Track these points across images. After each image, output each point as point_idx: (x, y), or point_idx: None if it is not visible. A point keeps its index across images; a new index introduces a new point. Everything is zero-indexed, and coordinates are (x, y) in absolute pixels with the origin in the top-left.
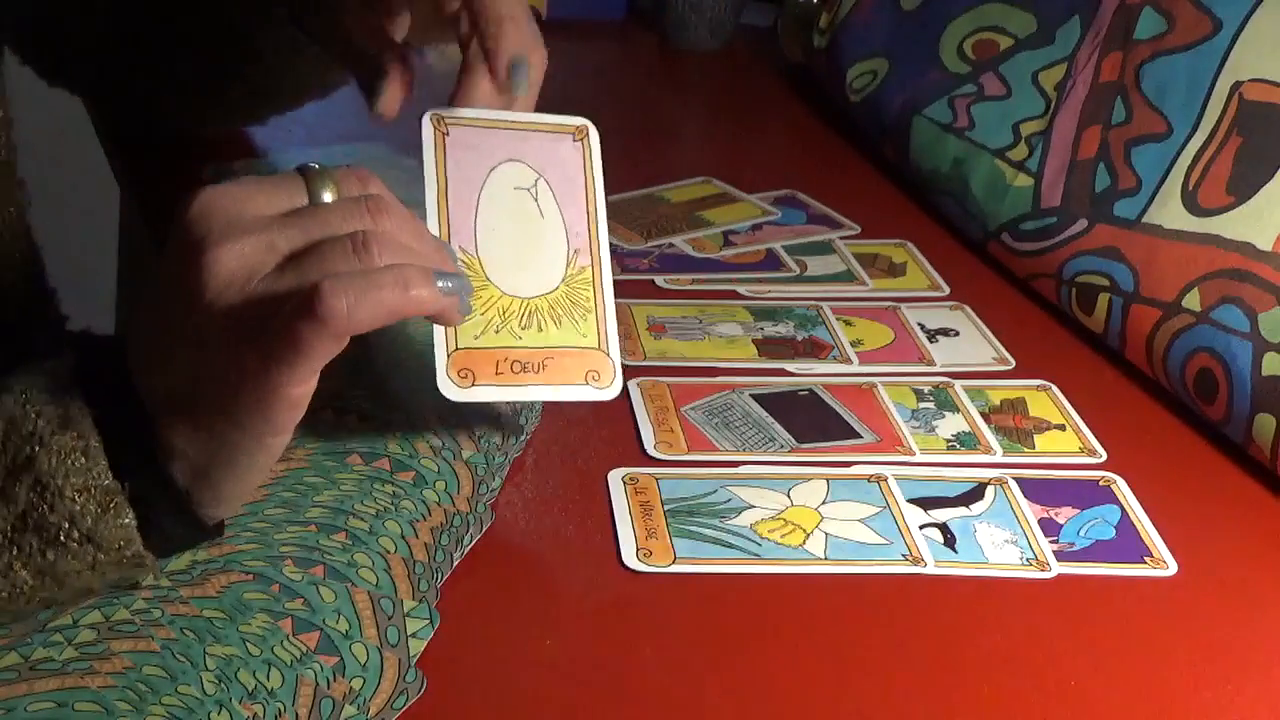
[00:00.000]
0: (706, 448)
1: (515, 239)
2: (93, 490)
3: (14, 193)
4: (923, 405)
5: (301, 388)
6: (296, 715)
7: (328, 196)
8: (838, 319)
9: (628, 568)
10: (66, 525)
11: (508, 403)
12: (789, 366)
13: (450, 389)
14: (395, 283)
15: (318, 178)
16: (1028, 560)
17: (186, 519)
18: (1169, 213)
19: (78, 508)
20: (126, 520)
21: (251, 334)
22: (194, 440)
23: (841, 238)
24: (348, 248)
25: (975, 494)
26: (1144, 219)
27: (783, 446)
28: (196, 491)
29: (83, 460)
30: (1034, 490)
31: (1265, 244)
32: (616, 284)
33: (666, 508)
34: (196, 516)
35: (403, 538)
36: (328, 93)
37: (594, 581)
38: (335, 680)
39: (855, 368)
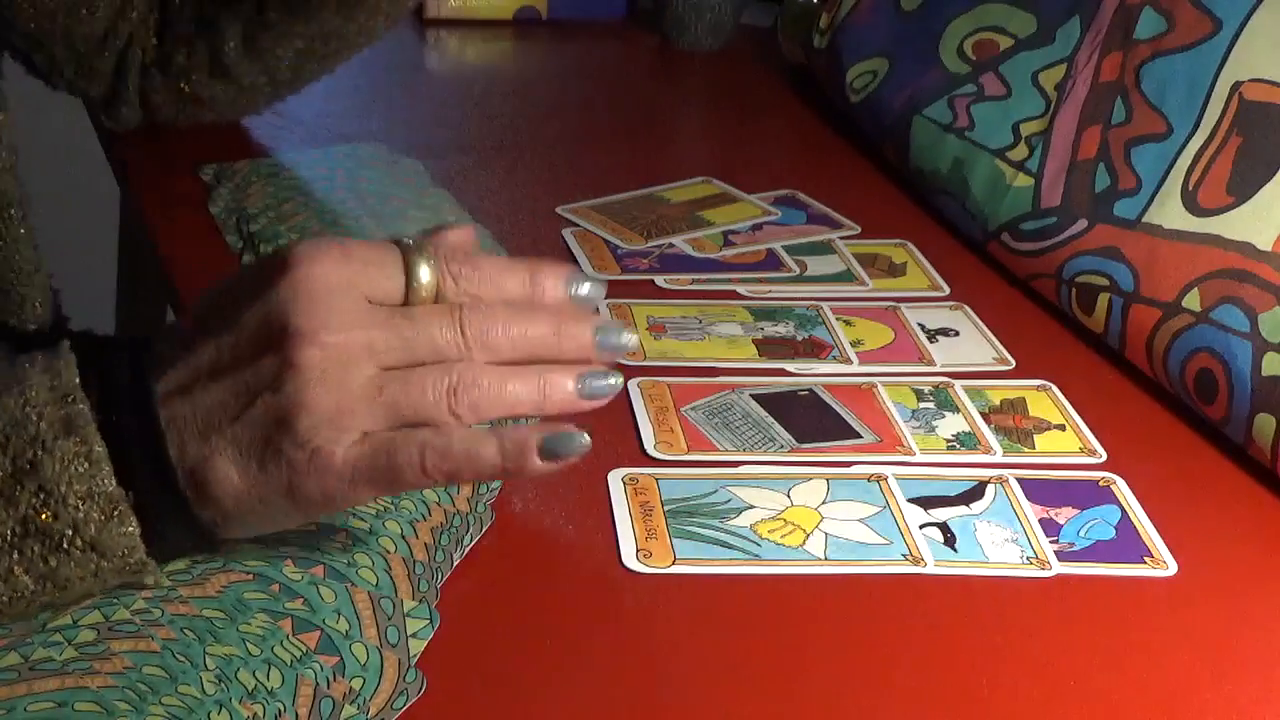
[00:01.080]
0: (706, 448)
1: None
2: (96, 497)
3: (13, 193)
4: (923, 405)
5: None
6: (296, 715)
7: (425, 274)
8: (838, 319)
9: (628, 568)
10: (69, 533)
11: None
12: (789, 366)
13: None
14: (476, 455)
15: (415, 254)
16: (1028, 559)
17: (193, 528)
18: (1169, 213)
19: (81, 515)
20: (130, 529)
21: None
22: (239, 500)
23: (841, 238)
24: (441, 398)
25: (975, 492)
26: (1144, 219)
27: (783, 446)
28: (223, 525)
29: (86, 466)
30: (1034, 490)
31: (1265, 244)
32: (617, 284)
33: (666, 508)
34: (203, 526)
35: (403, 538)
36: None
37: (594, 582)
38: (335, 680)
39: (855, 368)
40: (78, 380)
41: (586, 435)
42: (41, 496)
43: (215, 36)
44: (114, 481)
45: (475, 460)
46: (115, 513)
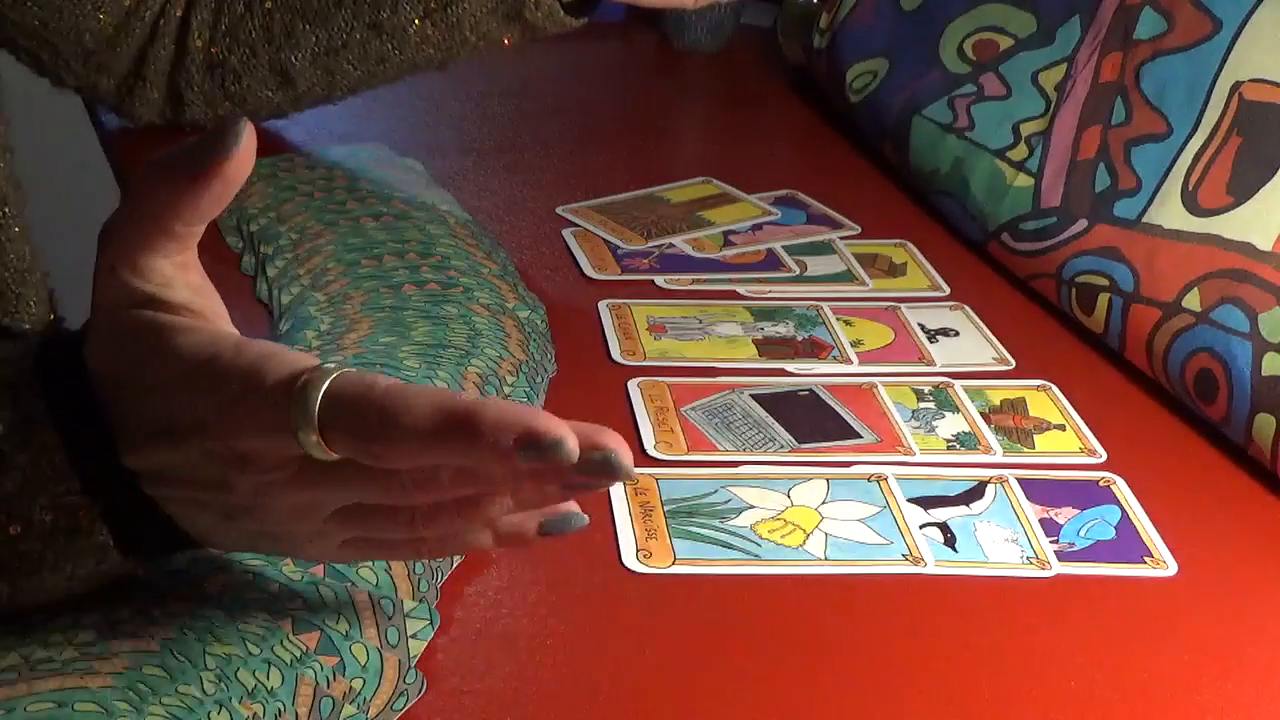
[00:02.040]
0: (706, 448)
1: None
2: (61, 509)
3: (7, 191)
4: (923, 405)
5: None
6: (296, 715)
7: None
8: (838, 319)
9: (628, 568)
10: (39, 548)
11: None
12: (789, 366)
13: None
14: (474, 544)
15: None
16: (1028, 559)
17: (168, 534)
18: (1169, 213)
19: (47, 529)
20: (101, 538)
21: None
22: (188, 524)
23: (841, 238)
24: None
25: (975, 492)
26: (1144, 219)
27: (783, 446)
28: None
29: (50, 471)
30: (1034, 490)
31: (1265, 244)
32: (617, 284)
33: (666, 508)
34: (180, 532)
35: None
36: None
37: (594, 582)
38: (335, 680)
39: (855, 368)
40: (38, 393)
41: (585, 516)
42: (4, 512)
43: (286, 45)
44: (79, 490)
45: (470, 549)
46: (80, 525)
